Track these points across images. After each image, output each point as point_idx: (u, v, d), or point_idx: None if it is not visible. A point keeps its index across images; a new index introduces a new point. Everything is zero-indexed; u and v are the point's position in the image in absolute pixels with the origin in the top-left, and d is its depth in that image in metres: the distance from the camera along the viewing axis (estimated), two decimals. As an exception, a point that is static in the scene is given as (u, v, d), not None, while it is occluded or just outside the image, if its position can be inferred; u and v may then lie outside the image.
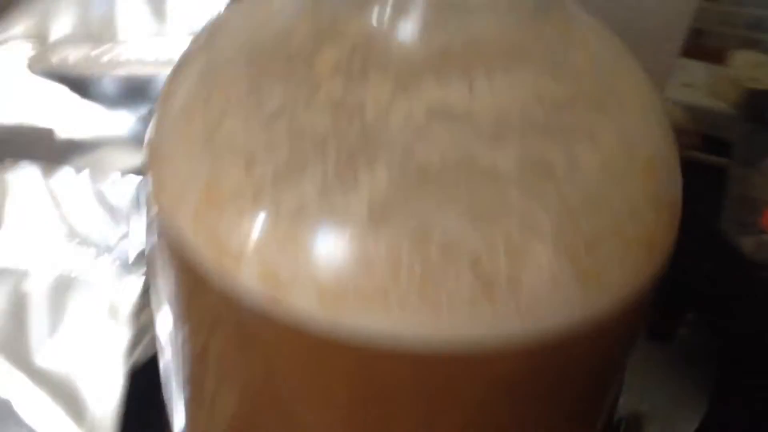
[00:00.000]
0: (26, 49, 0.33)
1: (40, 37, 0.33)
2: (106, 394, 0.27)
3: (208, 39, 0.19)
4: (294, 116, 0.16)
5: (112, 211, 0.27)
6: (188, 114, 0.18)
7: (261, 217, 0.16)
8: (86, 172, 0.26)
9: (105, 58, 0.33)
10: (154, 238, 0.19)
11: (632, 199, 0.17)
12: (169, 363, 0.22)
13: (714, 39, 0.51)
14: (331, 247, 0.16)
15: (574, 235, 0.16)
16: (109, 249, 0.27)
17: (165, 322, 0.21)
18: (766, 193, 0.33)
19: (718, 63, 0.46)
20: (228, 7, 0.19)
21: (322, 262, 0.16)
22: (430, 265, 0.16)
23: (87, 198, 0.27)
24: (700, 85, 0.45)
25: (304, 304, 0.16)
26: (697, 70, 0.46)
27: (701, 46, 0.51)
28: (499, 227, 0.16)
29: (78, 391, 0.27)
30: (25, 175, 0.26)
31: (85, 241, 0.27)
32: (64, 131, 0.32)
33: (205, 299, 0.18)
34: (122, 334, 0.27)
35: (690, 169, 0.38)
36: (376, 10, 0.17)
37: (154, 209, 0.18)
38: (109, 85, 0.32)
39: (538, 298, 0.16)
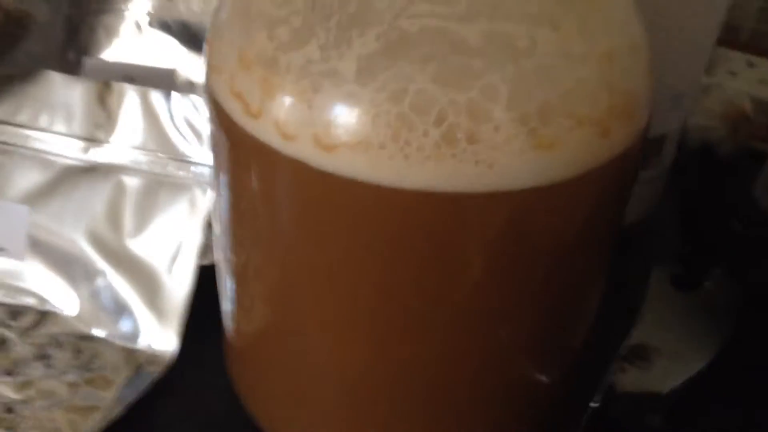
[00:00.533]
0: (147, 5, 0.39)
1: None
2: (179, 285, 0.32)
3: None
4: (309, -5, 0.20)
5: (195, 129, 0.32)
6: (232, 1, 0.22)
7: (275, 74, 0.20)
8: (174, 94, 0.32)
9: (210, 12, 0.38)
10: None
11: (585, 81, 0.20)
12: (220, 260, 0.26)
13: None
14: (326, 100, 0.20)
15: (528, 104, 0.19)
16: (192, 162, 0.32)
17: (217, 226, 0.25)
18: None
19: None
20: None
21: (319, 111, 0.20)
22: (403, 120, 0.19)
23: (177, 116, 0.32)
24: (775, 83, 0.46)
25: (307, 147, 0.20)
26: (773, 70, 0.47)
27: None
28: (463, 91, 0.19)
29: (158, 278, 0.32)
30: (137, 92, 0.32)
31: (175, 152, 0.32)
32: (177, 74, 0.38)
33: (238, 149, 0.22)
34: (197, 237, 0.32)
35: (754, 157, 0.39)
36: None
37: (205, 81, 0.23)
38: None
39: (494, 157, 0.19)
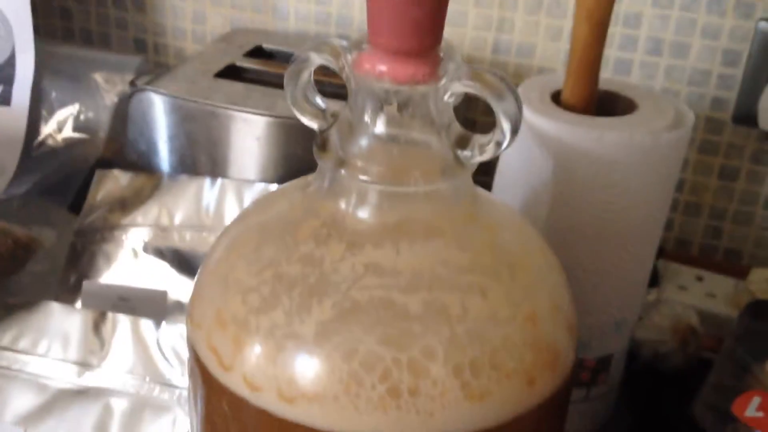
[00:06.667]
0: (144, 235, 0.43)
1: (157, 225, 0.43)
2: None
3: (239, 217, 0.28)
4: (278, 266, 0.24)
5: (180, 357, 0.35)
6: (215, 264, 0.26)
7: (246, 334, 0.24)
8: (163, 324, 0.35)
9: (199, 242, 0.43)
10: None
11: (511, 341, 0.24)
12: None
13: (747, 258, 0.57)
14: (288, 358, 0.23)
15: (461, 361, 0.23)
16: (176, 386, 0.35)
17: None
18: (741, 382, 0.37)
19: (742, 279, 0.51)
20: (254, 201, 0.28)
21: (282, 368, 0.23)
22: (354, 376, 0.23)
23: (165, 344, 0.35)
24: (721, 297, 0.50)
25: (271, 399, 0.23)
26: (721, 284, 0.51)
27: (732, 263, 0.56)
28: (405, 351, 0.23)
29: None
30: (129, 321, 0.36)
31: (161, 377, 0.35)
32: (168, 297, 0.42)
33: (212, 396, 0.25)
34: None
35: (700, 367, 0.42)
36: (343, 198, 0.25)
37: (186, 334, 0.26)
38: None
39: (433, 407, 0.23)
